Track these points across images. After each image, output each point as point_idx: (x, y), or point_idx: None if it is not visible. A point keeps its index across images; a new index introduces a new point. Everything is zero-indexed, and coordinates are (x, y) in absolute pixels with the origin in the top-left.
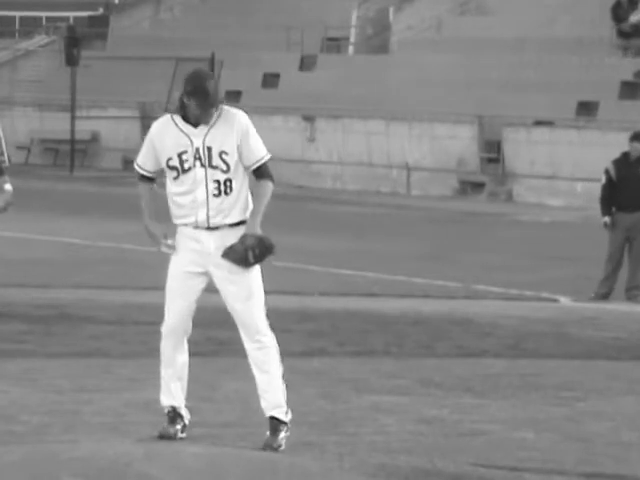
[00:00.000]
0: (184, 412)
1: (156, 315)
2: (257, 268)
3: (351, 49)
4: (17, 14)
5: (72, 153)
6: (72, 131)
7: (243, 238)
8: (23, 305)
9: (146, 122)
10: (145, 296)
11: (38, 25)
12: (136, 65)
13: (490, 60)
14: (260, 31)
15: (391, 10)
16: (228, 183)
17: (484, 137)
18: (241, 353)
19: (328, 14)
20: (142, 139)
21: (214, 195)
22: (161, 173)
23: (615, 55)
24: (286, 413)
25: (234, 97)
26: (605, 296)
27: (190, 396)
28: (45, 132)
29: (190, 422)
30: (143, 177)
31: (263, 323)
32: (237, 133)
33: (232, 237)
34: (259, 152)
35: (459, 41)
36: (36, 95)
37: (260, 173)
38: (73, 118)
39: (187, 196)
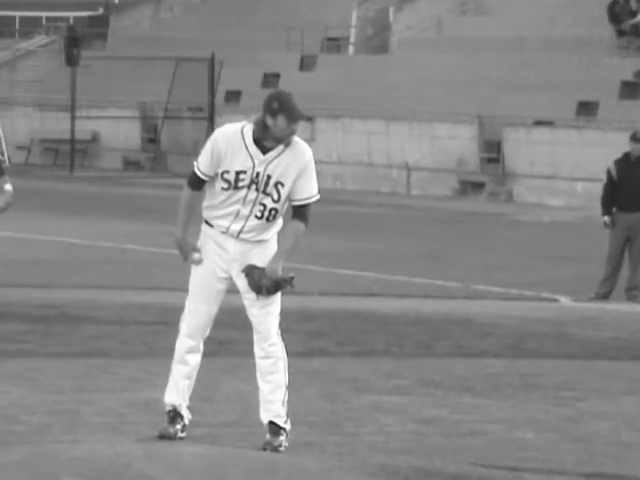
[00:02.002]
0: (185, 412)
1: (156, 315)
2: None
3: (351, 49)
4: (17, 14)
5: (72, 153)
6: (72, 131)
7: (261, 275)
8: (23, 305)
9: (146, 122)
10: (145, 296)
11: (38, 25)
12: (136, 65)
13: (490, 60)
14: (260, 31)
15: (391, 10)
16: (273, 212)
17: (484, 137)
18: (241, 353)
19: (328, 14)
20: (142, 139)
21: (256, 216)
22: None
23: (615, 55)
24: (285, 422)
25: (234, 97)
26: (605, 296)
27: (190, 396)
28: (45, 132)
29: (190, 422)
30: (197, 182)
31: (275, 333)
32: (298, 168)
33: (255, 249)
34: (310, 191)
35: (459, 41)
36: (36, 95)
37: (299, 212)
38: (73, 118)
39: (231, 207)
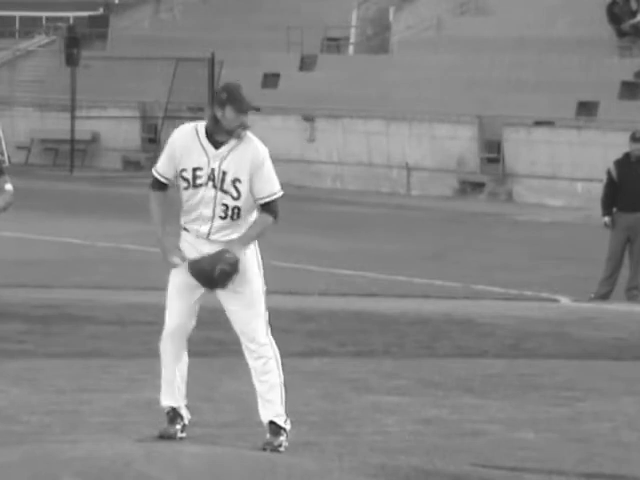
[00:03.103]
0: (184, 412)
1: (156, 315)
2: (260, 279)
3: (351, 49)
4: (17, 14)
5: (72, 153)
6: (72, 131)
7: (214, 260)
8: (23, 305)
9: (146, 122)
10: (145, 296)
11: (38, 25)
12: (136, 65)
13: (490, 60)
14: (260, 31)
15: (391, 10)
16: (236, 210)
17: (484, 137)
18: (240, 353)
19: (328, 14)
20: (142, 139)
21: (220, 217)
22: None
23: (615, 55)
24: (285, 421)
25: None
26: (605, 296)
27: (190, 396)
28: (45, 132)
29: (190, 422)
30: (158, 185)
31: (261, 333)
32: (252, 164)
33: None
34: (271, 188)
35: (459, 41)
36: (36, 95)
37: (266, 208)
38: (73, 118)
39: (194, 209)
